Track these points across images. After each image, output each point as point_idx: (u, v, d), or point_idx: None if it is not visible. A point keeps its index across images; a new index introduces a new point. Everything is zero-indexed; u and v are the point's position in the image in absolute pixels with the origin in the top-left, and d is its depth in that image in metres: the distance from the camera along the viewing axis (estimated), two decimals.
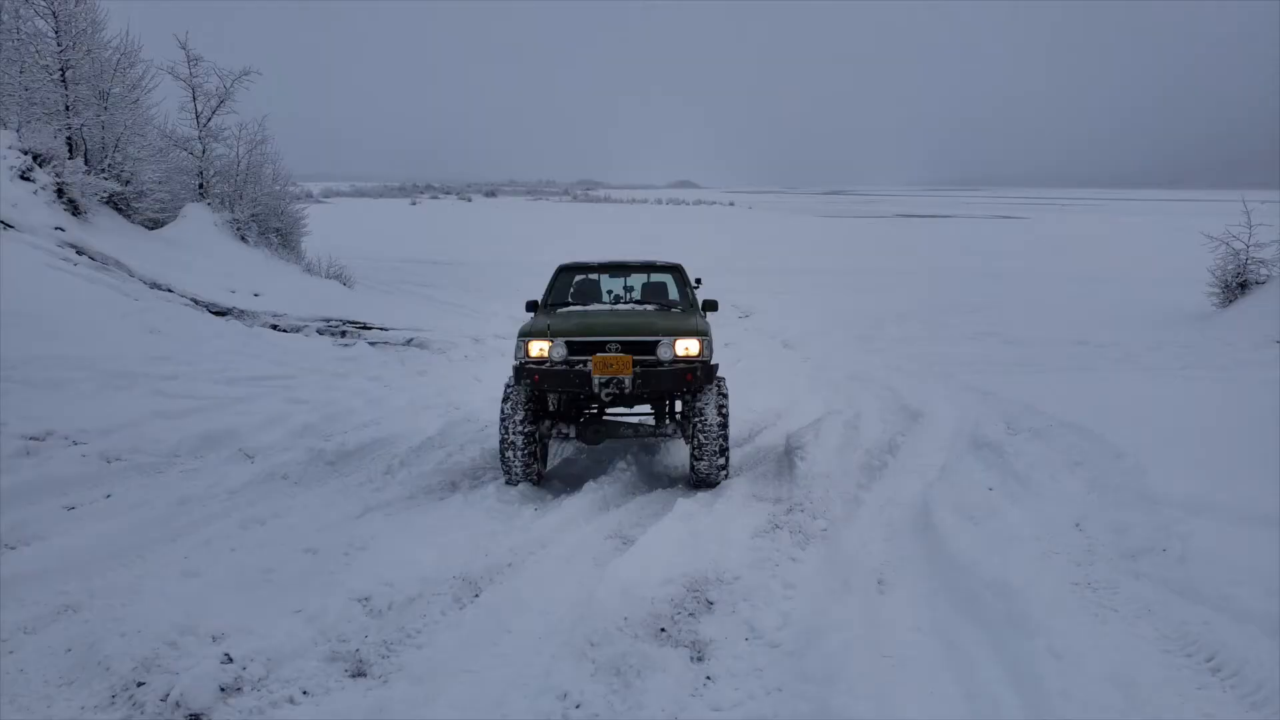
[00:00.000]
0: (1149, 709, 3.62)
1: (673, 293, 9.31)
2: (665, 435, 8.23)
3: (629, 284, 9.57)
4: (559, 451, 9.23)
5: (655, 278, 9.53)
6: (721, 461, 7.69)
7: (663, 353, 7.46)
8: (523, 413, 7.59)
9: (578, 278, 9.36)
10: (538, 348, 7.53)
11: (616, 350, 7.43)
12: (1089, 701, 3.67)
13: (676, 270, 9.39)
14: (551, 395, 8.16)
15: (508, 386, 7.80)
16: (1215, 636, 4.12)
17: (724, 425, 7.65)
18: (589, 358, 7.38)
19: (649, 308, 8.73)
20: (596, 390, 7.33)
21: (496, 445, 8.24)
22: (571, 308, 8.71)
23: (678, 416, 8.53)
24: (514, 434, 7.59)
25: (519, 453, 7.60)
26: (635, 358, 7.37)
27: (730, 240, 51.46)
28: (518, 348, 7.65)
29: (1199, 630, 4.22)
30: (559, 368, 7.44)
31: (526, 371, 7.48)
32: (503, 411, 7.64)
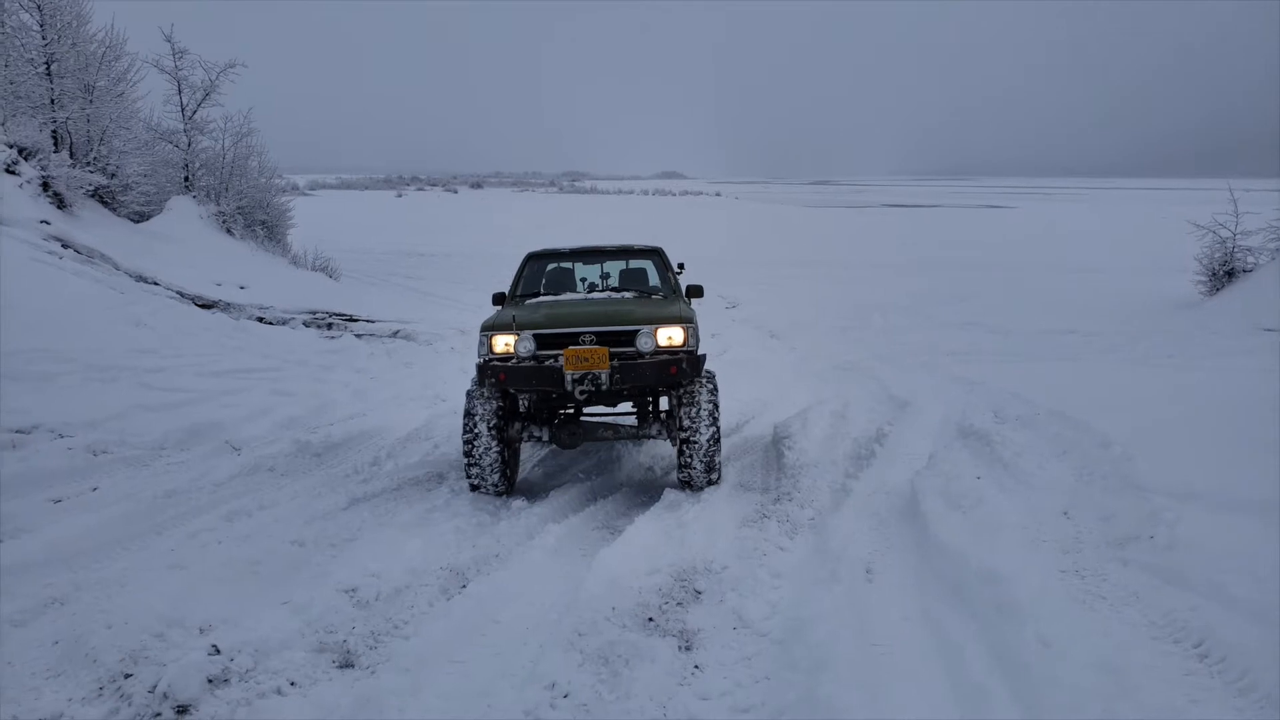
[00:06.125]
0: (1137, 695, 3.62)
1: (653, 279, 8.61)
2: (649, 436, 7.42)
3: (605, 271, 8.94)
4: (537, 450, 8.90)
5: (634, 263, 8.77)
6: (712, 465, 7.06)
7: (643, 343, 6.79)
8: (488, 416, 6.95)
9: (549, 266, 8.71)
10: (503, 343, 6.88)
11: (591, 342, 6.76)
12: (1077, 688, 3.67)
13: (657, 254, 8.66)
14: (521, 395, 7.46)
15: (471, 387, 7.19)
16: (1203, 623, 4.11)
17: (714, 423, 7.00)
18: (560, 351, 6.70)
19: (627, 295, 8.03)
20: (570, 388, 6.60)
21: None
22: (542, 298, 8.02)
23: (662, 415, 7.66)
24: (479, 441, 6.93)
25: (486, 462, 6.94)
26: (612, 350, 6.69)
27: (718, 231, 51.44)
28: (480, 344, 6.98)
29: (1186, 617, 4.22)
30: (527, 364, 6.77)
31: (491, 369, 6.78)
32: (466, 415, 7.00)
